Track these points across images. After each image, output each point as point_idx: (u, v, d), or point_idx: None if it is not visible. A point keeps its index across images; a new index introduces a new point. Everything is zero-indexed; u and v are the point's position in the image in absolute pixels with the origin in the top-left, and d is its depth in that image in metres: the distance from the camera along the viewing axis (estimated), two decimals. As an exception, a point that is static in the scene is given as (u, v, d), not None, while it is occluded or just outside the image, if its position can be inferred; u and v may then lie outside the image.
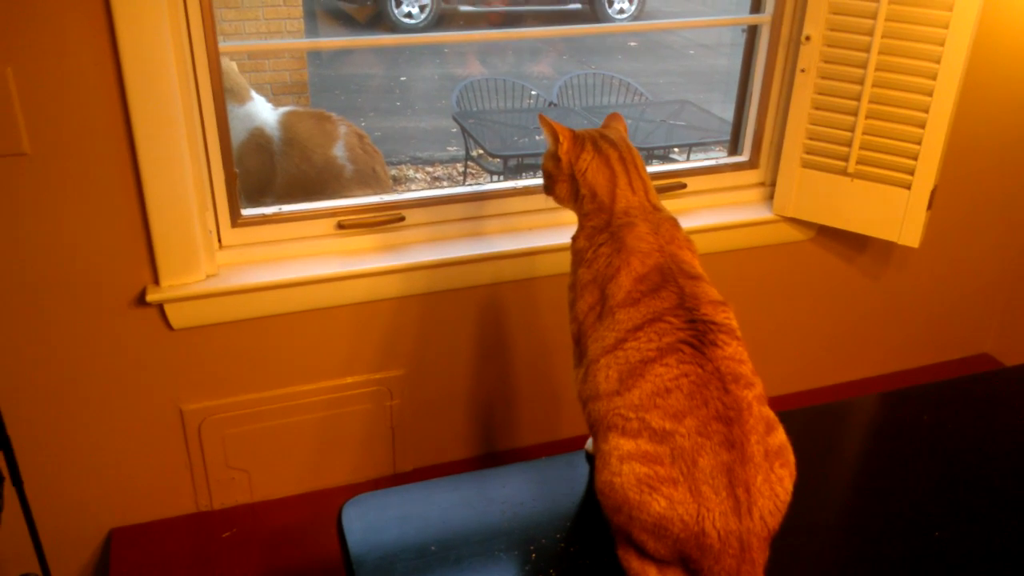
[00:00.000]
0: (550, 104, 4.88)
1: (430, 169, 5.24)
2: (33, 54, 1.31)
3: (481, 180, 4.52)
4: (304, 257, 1.65)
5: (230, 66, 2.40)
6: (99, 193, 1.43)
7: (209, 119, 1.50)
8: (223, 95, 1.52)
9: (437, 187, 4.69)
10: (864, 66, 1.73)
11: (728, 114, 2.11)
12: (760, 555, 1.00)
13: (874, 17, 1.69)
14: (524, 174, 4.19)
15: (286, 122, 2.47)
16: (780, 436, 1.06)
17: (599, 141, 1.28)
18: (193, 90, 1.45)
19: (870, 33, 1.71)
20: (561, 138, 1.27)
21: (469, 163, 4.64)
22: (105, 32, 1.32)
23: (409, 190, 4.72)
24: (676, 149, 4.57)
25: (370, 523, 1.17)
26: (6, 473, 1.33)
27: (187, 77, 1.43)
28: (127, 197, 1.44)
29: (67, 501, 1.63)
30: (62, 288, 1.47)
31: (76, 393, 1.56)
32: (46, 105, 1.34)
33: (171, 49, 1.35)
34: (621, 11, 8.14)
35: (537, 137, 4.45)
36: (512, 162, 4.24)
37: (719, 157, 2.04)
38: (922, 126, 1.72)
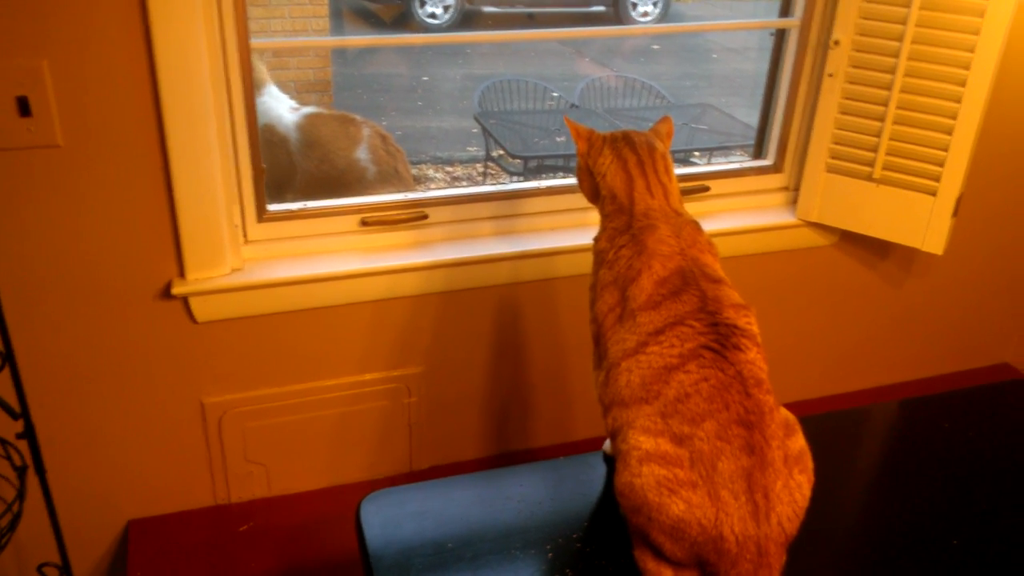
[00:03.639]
0: (572, 106, 4.88)
1: (450, 169, 5.25)
2: (68, 48, 1.32)
3: (501, 181, 4.53)
4: (328, 253, 1.66)
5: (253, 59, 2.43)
6: (129, 186, 1.44)
7: (239, 114, 1.51)
8: (252, 91, 1.53)
9: (458, 187, 4.70)
10: (893, 71, 1.72)
11: (751, 119, 2.10)
12: (777, 560, 0.99)
13: (904, 23, 1.68)
14: (544, 175, 4.19)
15: (306, 124, 2.49)
16: (800, 441, 1.05)
17: (619, 143, 1.27)
18: (224, 85, 1.47)
19: (900, 39, 1.69)
20: (578, 140, 1.28)
21: (489, 164, 4.65)
22: (139, 27, 1.34)
23: (428, 190, 4.73)
24: (697, 153, 4.56)
25: (388, 518, 1.17)
26: (29, 461, 1.35)
27: (218, 72, 1.44)
28: (156, 190, 1.46)
29: (87, 492, 1.65)
30: (89, 279, 1.49)
31: (99, 384, 1.57)
32: (80, 98, 1.36)
33: (204, 44, 1.37)
34: (645, 14, 8.12)
35: (558, 139, 4.45)
36: (532, 163, 4.24)
37: (741, 161, 2.03)
38: (950, 133, 1.71)
